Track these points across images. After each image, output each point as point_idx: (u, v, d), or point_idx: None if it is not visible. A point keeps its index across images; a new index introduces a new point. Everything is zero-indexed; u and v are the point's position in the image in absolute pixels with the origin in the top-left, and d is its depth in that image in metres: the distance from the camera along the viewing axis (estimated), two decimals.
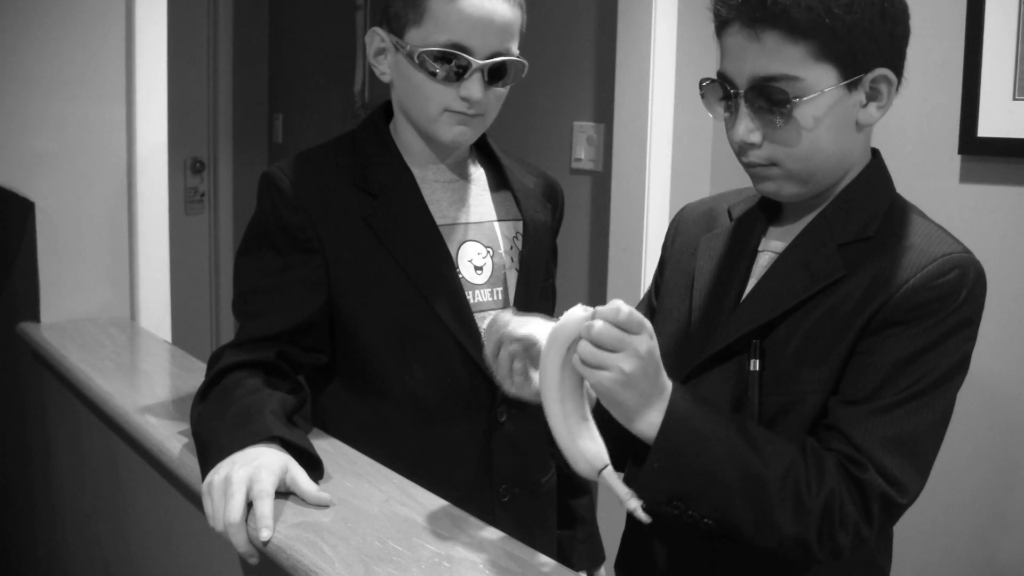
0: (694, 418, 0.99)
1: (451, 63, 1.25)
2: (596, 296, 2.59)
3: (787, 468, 0.99)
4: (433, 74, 1.25)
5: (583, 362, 0.96)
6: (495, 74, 1.27)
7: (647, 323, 0.97)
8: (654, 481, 0.99)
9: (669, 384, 1.00)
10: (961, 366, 1.05)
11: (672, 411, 0.98)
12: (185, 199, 3.89)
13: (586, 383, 0.98)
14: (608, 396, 0.98)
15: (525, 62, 1.31)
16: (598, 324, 0.95)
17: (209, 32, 3.90)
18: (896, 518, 1.05)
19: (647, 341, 0.96)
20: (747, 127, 1.06)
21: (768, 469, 0.98)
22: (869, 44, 1.04)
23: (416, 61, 1.25)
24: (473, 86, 1.25)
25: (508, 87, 1.31)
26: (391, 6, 1.29)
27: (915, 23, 1.09)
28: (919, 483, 1.04)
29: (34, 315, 1.91)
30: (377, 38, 1.32)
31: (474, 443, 1.35)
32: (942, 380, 1.03)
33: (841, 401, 1.04)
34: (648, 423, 0.99)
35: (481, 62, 1.25)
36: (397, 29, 1.29)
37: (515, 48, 1.30)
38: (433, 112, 1.28)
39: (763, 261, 1.15)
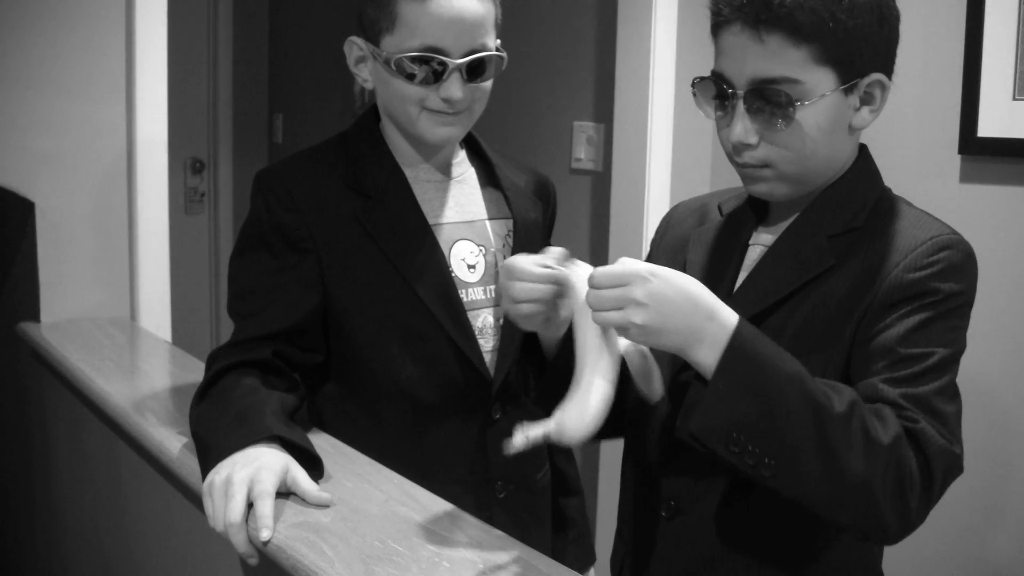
0: (759, 344, 0.97)
1: (428, 65, 1.25)
2: None
3: (851, 405, 0.95)
4: (411, 78, 1.26)
5: (612, 327, 0.99)
6: (474, 71, 1.28)
7: (633, 269, 0.96)
8: (717, 404, 0.95)
9: (723, 311, 0.97)
10: (961, 353, 1.05)
11: (739, 334, 0.96)
12: (185, 199, 3.88)
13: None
14: (647, 346, 0.99)
15: (503, 55, 1.31)
16: (591, 293, 0.98)
17: (209, 32, 3.90)
18: (952, 479, 1.00)
19: (644, 286, 0.95)
20: (744, 128, 1.06)
21: (833, 402, 0.94)
22: (867, 49, 1.04)
23: (393, 67, 1.26)
24: (452, 87, 1.26)
25: (491, 81, 1.31)
26: (364, 14, 1.30)
27: (915, 23, 1.10)
28: (962, 452, 1.00)
29: (34, 315, 1.91)
30: (355, 47, 1.33)
31: (469, 440, 1.35)
32: (949, 359, 1.02)
33: (858, 384, 1.03)
34: (704, 354, 0.96)
35: (457, 61, 1.25)
36: (372, 37, 1.29)
37: (491, 42, 1.29)
38: (414, 114, 1.29)
39: (753, 254, 1.15)
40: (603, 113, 2.55)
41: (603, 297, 0.97)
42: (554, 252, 1.07)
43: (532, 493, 1.43)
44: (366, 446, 1.27)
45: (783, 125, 1.04)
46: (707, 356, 0.96)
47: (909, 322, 1.01)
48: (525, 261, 1.07)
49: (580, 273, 1.04)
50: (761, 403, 0.94)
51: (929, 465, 0.97)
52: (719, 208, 1.23)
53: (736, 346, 0.96)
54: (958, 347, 1.04)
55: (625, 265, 0.97)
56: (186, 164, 3.88)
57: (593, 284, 0.98)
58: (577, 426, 1.00)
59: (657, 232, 1.32)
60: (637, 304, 0.95)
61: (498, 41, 1.33)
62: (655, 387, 1.09)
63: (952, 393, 1.03)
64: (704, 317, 0.96)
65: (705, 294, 0.98)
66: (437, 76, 1.26)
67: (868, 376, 1.02)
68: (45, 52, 1.87)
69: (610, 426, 1.24)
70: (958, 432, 1.01)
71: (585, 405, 1.01)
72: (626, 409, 1.22)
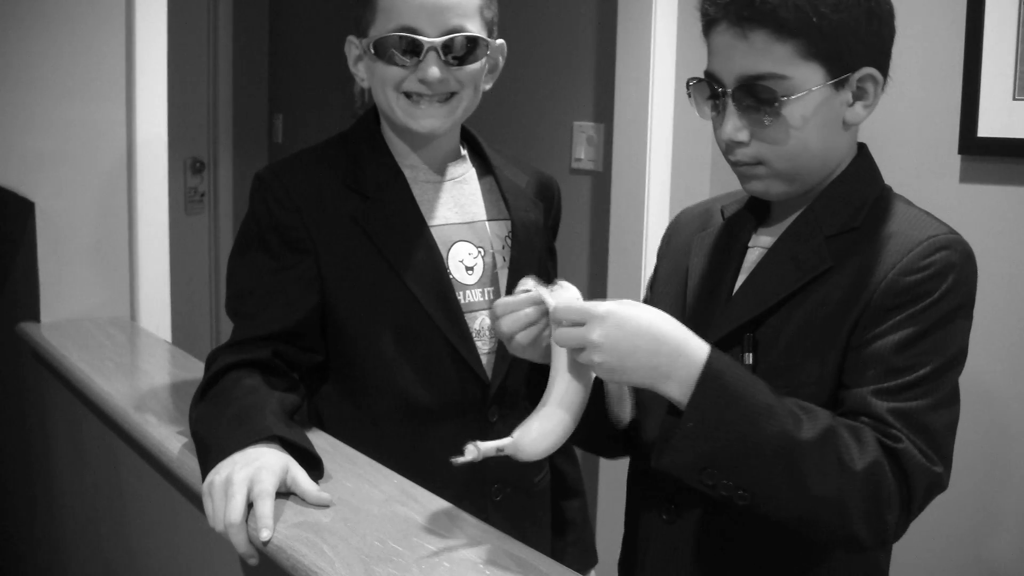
0: (729, 379, 0.97)
1: (404, 47, 1.26)
2: (596, 296, 2.59)
3: (825, 431, 0.96)
4: (391, 61, 1.27)
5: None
6: (458, 56, 1.28)
7: (589, 309, 0.97)
8: (688, 442, 0.96)
9: (692, 346, 0.98)
10: (962, 354, 1.05)
11: (707, 372, 0.96)
12: (185, 199, 3.89)
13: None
14: (615, 383, 1.00)
15: (488, 40, 1.31)
16: (554, 330, 1.00)
17: (209, 32, 3.90)
18: (933, 496, 1.02)
19: (598, 327, 0.96)
20: (735, 125, 1.06)
21: (806, 431, 0.95)
22: (855, 43, 1.04)
23: (372, 51, 1.27)
24: (429, 66, 1.26)
25: (478, 66, 1.30)
26: (355, 12, 1.32)
27: (915, 23, 1.10)
28: (947, 469, 1.02)
29: (34, 315, 1.91)
30: (352, 46, 1.34)
31: (465, 443, 1.34)
32: (947, 365, 1.02)
33: (849, 391, 1.03)
34: (673, 389, 0.97)
35: (433, 40, 1.25)
36: (362, 31, 1.31)
37: (472, 27, 1.29)
38: (392, 98, 1.29)
39: (753, 256, 1.15)
40: (603, 113, 2.55)
41: (565, 336, 0.99)
42: (528, 280, 1.07)
43: (530, 496, 1.42)
44: (363, 447, 1.27)
45: (770, 121, 1.04)
46: (676, 392, 0.97)
47: (904, 331, 1.01)
48: (505, 297, 1.08)
49: (562, 296, 1.04)
50: (732, 440, 0.95)
51: (909, 486, 0.98)
52: (722, 212, 1.23)
53: (705, 385, 0.96)
54: (956, 353, 1.04)
55: (583, 304, 0.99)
56: (186, 164, 3.88)
57: (554, 319, 1.00)
58: (533, 448, 1.02)
59: (663, 239, 1.32)
60: (594, 346, 0.97)
61: (501, 41, 1.33)
62: (626, 411, 1.14)
63: (948, 402, 1.02)
64: (671, 353, 0.97)
65: (671, 329, 0.98)
66: (416, 58, 1.26)
67: (860, 383, 1.02)
68: (45, 52, 1.87)
69: (618, 445, 1.25)
70: (946, 447, 1.02)
71: (544, 429, 1.03)
72: (629, 431, 1.22)
